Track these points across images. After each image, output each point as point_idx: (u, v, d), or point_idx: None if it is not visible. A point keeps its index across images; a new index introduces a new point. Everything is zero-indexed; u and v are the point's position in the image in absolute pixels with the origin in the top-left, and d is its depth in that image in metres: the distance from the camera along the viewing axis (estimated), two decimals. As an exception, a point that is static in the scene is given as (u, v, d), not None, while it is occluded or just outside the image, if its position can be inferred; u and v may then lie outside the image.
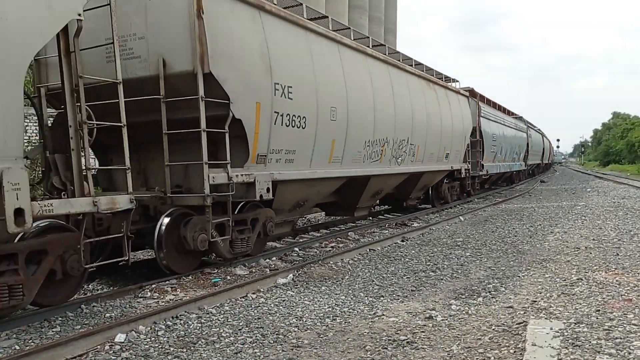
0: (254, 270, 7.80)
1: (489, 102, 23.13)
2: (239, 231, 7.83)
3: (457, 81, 17.66)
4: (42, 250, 5.29)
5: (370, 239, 10.77)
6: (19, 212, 4.62)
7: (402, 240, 10.43)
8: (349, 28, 10.98)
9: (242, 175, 7.52)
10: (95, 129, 5.95)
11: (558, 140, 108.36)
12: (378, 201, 14.83)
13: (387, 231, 12.15)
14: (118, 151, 6.32)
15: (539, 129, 49.69)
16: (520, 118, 33.84)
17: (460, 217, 14.27)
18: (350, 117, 9.98)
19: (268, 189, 7.92)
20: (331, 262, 8.17)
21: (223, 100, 7.06)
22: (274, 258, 8.68)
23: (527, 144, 33.90)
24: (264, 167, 8.00)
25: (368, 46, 11.40)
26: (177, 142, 7.18)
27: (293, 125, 8.39)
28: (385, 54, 12.24)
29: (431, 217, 15.02)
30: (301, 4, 9.42)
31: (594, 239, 9.59)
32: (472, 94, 19.17)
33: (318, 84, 8.98)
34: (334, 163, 9.83)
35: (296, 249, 9.43)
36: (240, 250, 7.91)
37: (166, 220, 7.07)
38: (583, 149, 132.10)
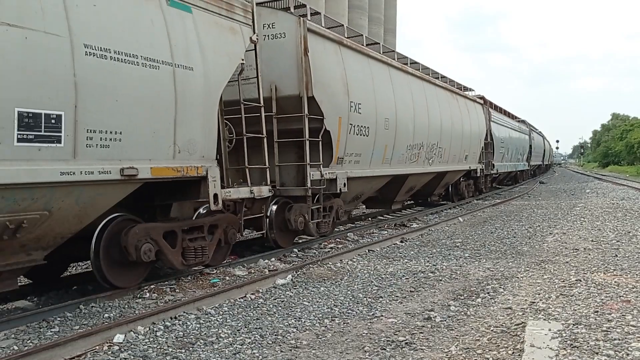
0: (252, 271, 7.81)
1: (497, 108, 25.74)
2: (323, 216, 9.82)
3: (473, 90, 19.77)
4: (214, 225, 7.38)
5: (369, 240, 10.78)
6: (215, 196, 6.88)
7: (401, 241, 10.44)
8: (394, 51, 13.23)
9: (329, 173, 9.64)
10: (234, 139, 7.93)
11: (557, 141, 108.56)
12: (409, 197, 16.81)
13: (386, 232, 12.16)
14: (236, 153, 8.11)
15: (540, 132, 51.05)
16: (523, 121, 36.29)
17: (460, 218, 14.28)
18: (397, 126, 12.15)
19: (344, 184, 10.10)
20: (330, 263, 8.18)
21: (319, 116, 9.18)
22: (273, 259, 8.68)
23: (530, 145, 36.39)
24: (341, 167, 10.15)
25: (406, 64, 13.59)
26: (260, 145, 8.49)
27: (360, 134, 10.54)
28: (419, 70, 14.43)
29: (430, 218, 15.04)
30: (362, 35, 11.84)
31: (592, 240, 9.60)
32: (483, 101, 21.62)
33: (377, 100, 11.16)
34: (385, 164, 11.98)
35: (295, 249, 9.44)
36: (324, 230, 9.97)
37: (274, 207, 9.04)
38: (582, 150, 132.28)
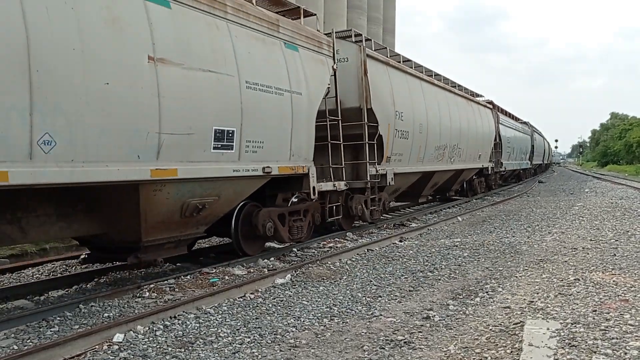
0: (252, 271, 7.82)
1: (504, 111, 28.32)
2: (373, 205, 11.94)
3: (482, 95, 22.20)
4: (307, 210, 9.60)
5: (368, 239, 10.79)
6: (313, 189, 9.08)
7: (400, 241, 10.45)
8: (421, 66, 15.30)
9: (381, 169, 11.91)
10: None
11: (556, 140, 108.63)
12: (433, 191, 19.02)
13: (385, 231, 12.17)
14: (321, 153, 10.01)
15: (540, 132, 52.39)
16: (526, 123, 38.60)
17: (459, 218, 14.30)
18: (428, 130, 14.52)
19: (392, 179, 12.38)
20: (329, 262, 8.19)
21: (374, 124, 11.46)
22: (272, 258, 8.70)
23: (532, 145, 38.74)
24: (389, 164, 12.41)
25: (431, 76, 16.06)
26: (335, 148, 10.34)
27: (402, 137, 12.90)
28: (441, 81, 16.87)
29: (429, 217, 15.06)
30: (399, 54, 14.41)
31: (591, 240, 9.62)
32: (492, 105, 24.08)
33: (413, 109, 13.58)
34: (419, 162, 14.33)
35: (294, 249, 9.45)
36: (375, 217, 12.19)
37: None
38: (581, 150, 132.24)
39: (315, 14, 10.56)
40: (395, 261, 8.32)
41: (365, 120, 11.19)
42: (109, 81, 5.42)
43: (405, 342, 4.59)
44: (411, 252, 9.11)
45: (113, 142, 5.53)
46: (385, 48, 13.39)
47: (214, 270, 7.60)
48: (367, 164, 11.32)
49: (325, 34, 10.33)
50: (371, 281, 6.97)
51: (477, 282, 6.77)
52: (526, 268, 7.42)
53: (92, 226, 6.41)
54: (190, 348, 4.60)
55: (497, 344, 4.43)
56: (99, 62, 5.33)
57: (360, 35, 11.83)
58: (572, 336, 4.40)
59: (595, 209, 15.27)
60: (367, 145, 11.27)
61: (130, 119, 5.70)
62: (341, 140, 10.44)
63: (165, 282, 6.92)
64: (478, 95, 21.75)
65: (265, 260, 8.48)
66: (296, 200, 9.74)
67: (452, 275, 7.24)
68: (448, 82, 17.80)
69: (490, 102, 24.18)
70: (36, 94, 4.79)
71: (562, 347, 4.15)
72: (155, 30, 5.99)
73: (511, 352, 4.22)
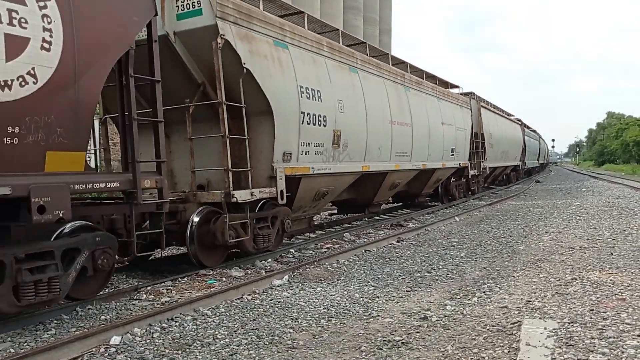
0: (249, 272, 7.81)
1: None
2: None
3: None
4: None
5: (365, 240, 10.79)
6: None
7: (398, 241, 10.45)
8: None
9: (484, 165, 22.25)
10: None
11: (553, 140, 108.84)
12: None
13: (382, 232, 12.18)
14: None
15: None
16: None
17: (456, 218, 14.31)
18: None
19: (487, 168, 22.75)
20: (326, 263, 8.18)
21: (483, 140, 22.12)
22: (270, 259, 8.68)
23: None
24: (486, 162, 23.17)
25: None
26: (477, 155, 20.30)
27: (491, 147, 24.34)
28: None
29: (427, 217, 15.07)
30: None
31: (588, 239, 9.64)
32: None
33: (489, 129, 23.92)
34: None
35: (292, 250, 9.44)
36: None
37: None
38: (578, 149, 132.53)
39: (458, 86, 19.99)
40: (392, 262, 8.32)
41: (480, 139, 21.54)
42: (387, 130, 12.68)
43: (402, 343, 4.59)
44: (408, 252, 9.11)
45: (386, 153, 12.57)
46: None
47: (211, 272, 7.59)
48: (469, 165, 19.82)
49: (465, 94, 20.82)
50: (369, 282, 6.97)
51: (474, 282, 6.77)
52: (523, 268, 7.43)
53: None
54: (187, 350, 4.59)
55: (494, 344, 4.44)
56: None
57: (475, 94, 22.84)
58: (569, 335, 4.41)
59: (592, 208, 15.30)
60: (480, 151, 21.68)
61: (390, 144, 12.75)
62: (476, 147, 20.82)
63: (163, 284, 6.91)
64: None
65: (263, 262, 8.46)
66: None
67: (450, 275, 7.24)
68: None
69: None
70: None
71: (560, 347, 4.16)
72: (392, 106, 12.87)
73: (509, 351, 4.23)
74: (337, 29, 11.85)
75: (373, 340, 4.68)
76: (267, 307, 5.89)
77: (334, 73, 10.45)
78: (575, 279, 6.51)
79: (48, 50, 5.09)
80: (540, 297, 5.78)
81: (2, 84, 4.75)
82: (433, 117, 15.73)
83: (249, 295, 6.38)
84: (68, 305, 5.86)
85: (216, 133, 7.83)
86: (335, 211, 14.77)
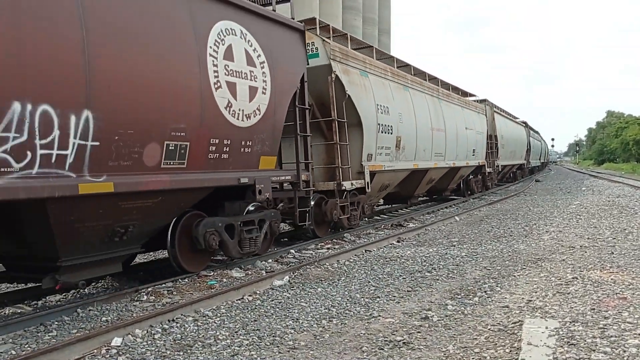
0: (250, 273, 7.81)
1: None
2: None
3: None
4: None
5: (366, 240, 10.79)
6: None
7: (398, 241, 10.45)
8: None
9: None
10: None
11: (553, 139, 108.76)
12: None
13: (382, 232, 12.18)
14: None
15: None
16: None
17: (456, 217, 14.31)
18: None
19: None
20: (327, 264, 8.18)
21: (496, 142, 25.01)
22: (270, 260, 8.69)
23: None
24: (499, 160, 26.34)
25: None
26: (491, 155, 22.72)
27: (503, 148, 26.98)
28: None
29: (427, 217, 15.07)
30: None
31: (589, 238, 9.64)
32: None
33: (500, 131, 26.55)
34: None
35: (292, 250, 9.44)
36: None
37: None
38: (578, 148, 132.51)
39: (474, 95, 22.53)
40: (393, 261, 8.32)
41: (494, 140, 23.89)
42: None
43: (404, 343, 4.58)
44: (409, 252, 9.11)
45: (428, 154, 15.17)
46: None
47: (212, 273, 7.59)
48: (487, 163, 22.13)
49: (480, 101, 22.56)
50: (369, 282, 6.97)
51: (475, 281, 6.77)
52: (524, 267, 7.43)
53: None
54: (188, 351, 4.59)
55: (496, 344, 4.44)
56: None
57: (488, 101, 24.72)
58: (570, 335, 4.41)
59: (592, 207, 15.30)
60: (494, 152, 24.28)
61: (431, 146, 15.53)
62: (491, 148, 23.19)
63: (163, 285, 6.90)
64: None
65: (263, 262, 8.47)
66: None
67: (450, 275, 7.24)
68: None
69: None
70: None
71: (561, 346, 4.16)
72: (431, 115, 15.58)
73: (510, 351, 4.22)
74: (392, 56, 15.26)
75: (374, 341, 4.68)
76: (268, 307, 5.89)
77: (395, 92, 13.48)
78: (576, 278, 6.51)
79: (264, 94, 8.05)
80: (541, 297, 5.78)
81: (247, 115, 7.68)
82: (459, 123, 18.81)
83: (249, 295, 6.38)
84: (69, 307, 5.86)
85: (318, 142, 10.79)
86: (381, 202, 17.19)
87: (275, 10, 8.65)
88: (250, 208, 8.38)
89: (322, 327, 5.15)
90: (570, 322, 4.75)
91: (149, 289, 6.66)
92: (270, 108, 8.14)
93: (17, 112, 4.71)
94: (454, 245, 9.62)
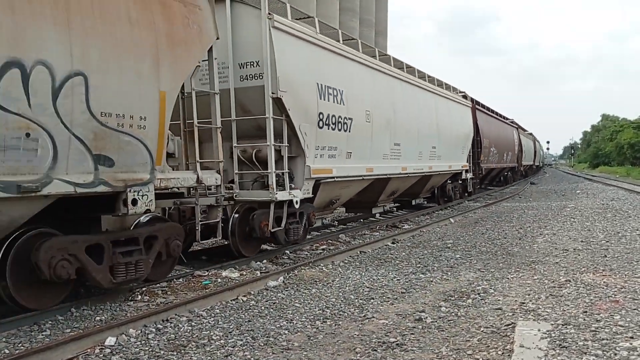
0: (244, 273, 7.81)
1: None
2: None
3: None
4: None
5: (360, 241, 10.81)
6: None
7: (393, 243, 10.47)
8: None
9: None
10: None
11: (548, 142, 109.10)
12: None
13: (377, 233, 12.19)
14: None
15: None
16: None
17: (451, 219, 14.34)
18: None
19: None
20: (322, 265, 8.19)
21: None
22: (265, 260, 8.69)
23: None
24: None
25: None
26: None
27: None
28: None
29: (421, 219, 15.10)
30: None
31: (582, 241, 9.68)
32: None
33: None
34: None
35: (287, 251, 9.44)
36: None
37: None
38: (573, 151, 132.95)
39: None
40: (387, 263, 8.34)
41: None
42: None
43: (397, 344, 4.60)
44: (403, 253, 9.13)
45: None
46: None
47: (207, 273, 7.59)
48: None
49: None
50: (363, 283, 6.98)
51: (469, 283, 6.80)
52: (518, 269, 7.47)
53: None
54: (182, 351, 4.60)
55: (488, 346, 4.46)
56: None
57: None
58: (562, 337, 4.44)
59: (586, 210, 15.37)
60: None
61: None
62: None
63: (158, 285, 6.90)
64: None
65: (258, 263, 8.46)
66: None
67: (444, 277, 7.26)
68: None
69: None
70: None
71: (553, 349, 4.18)
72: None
73: (502, 353, 4.25)
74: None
75: (368, 342, 4.70)
76: (262, 308, 5.90)
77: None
78: (569, 281, 6.54)
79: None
80: (534, 299, 5.81)
81: None
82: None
83: (244, 296, 6.38)
84: (63, 306, 5.84)
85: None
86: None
87: None
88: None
89: (316, 328, 5.16)
90: (563, 325, 4.78)
91: (143, 289, 6.65)
92: None
93: None
94: (449, 247, 9.65)
